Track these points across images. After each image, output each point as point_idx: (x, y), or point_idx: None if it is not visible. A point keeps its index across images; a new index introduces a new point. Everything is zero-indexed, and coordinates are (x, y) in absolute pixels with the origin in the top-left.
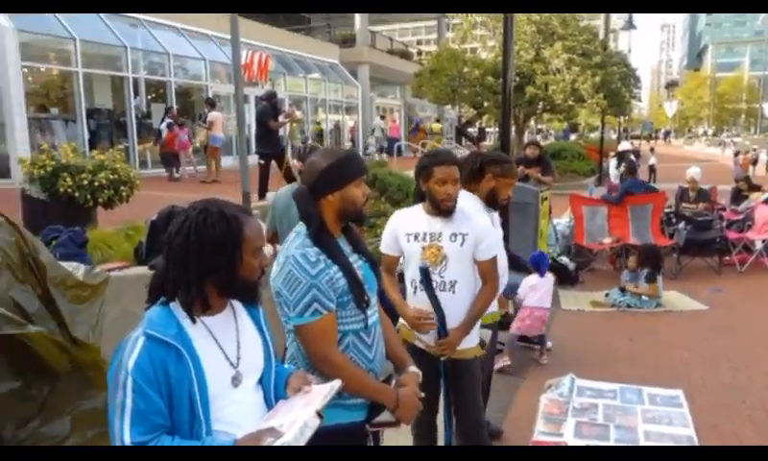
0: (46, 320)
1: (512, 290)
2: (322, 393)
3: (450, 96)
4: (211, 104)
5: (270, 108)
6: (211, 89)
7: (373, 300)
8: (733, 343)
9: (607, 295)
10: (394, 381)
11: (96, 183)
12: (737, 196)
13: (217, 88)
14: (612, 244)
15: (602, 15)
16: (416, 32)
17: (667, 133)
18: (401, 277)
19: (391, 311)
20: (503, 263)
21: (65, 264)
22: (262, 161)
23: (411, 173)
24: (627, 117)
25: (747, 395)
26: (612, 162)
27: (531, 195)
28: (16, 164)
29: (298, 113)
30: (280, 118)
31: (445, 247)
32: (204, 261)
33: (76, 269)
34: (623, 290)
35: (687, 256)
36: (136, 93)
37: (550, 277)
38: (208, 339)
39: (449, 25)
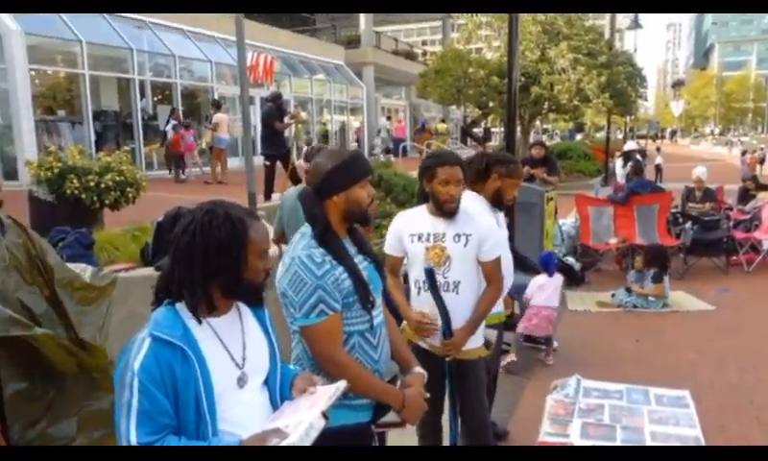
0: (53, 321)
1: (517, 290)
2: (327, 394)
3: (455, 96)
4: (217, 105)
5: (275, 109)
6: (217, 91)
7: (378, 300)
8: (741, 343)
9: (613, 295)
10: (399, 382)
11: (103, 185)
12: (744, 195)
13: (223, 90)
14: (618, 244)
15: (607, 15)
16: (420, 32)
17: (674, 133)
18: (406, 277)
19: (395, 312)
20: (507, 263)
21: (72, 266)
22: (268, 162)
23: (416, 173)
24: (633, 117)
25: (755, 395)
26: (619, 162)
27: (536, 195)
28: (24, 166)
29: (303, 114)
30: (286, 119)
31: (449, 248)
32: (208, 263)
33: (83, 271)
34: (629, 290)
35: (694, 256)
36: (142, 95)
37: (558, 276)
38: (214, 340)
39: (454, 25)
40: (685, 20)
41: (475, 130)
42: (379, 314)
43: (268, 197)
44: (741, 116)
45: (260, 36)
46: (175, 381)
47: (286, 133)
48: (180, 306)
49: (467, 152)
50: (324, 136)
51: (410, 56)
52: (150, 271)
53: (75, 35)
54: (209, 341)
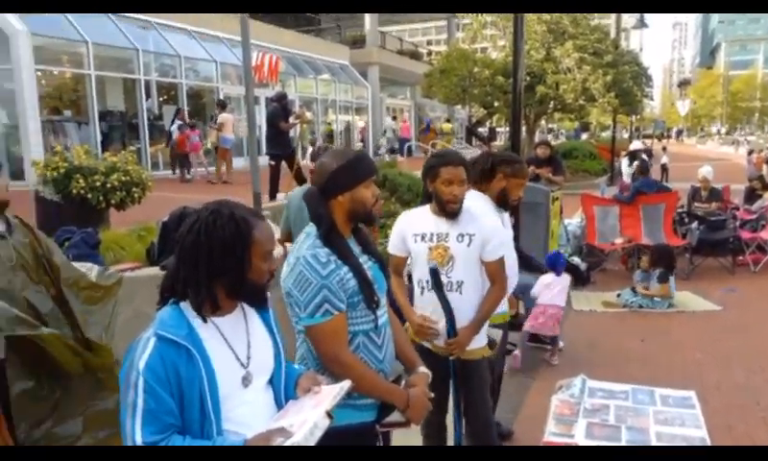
0: (59, 321)
1: (522, 290)
2: (331, 393)
3: (460, 96)
4: (222, 105)
5: (280, 109)
6: (222, 91)
7: (383, 300)
8: (747, 343)
9: (618, 295)
10: (403, 382)
11: (108, 185)
12: (751, 195)
13: (228, 90)
14: (623, 244)
15: (613, 14)
16: (426, 32)
17: (679, 132)
18: (410, 278)
19: (399, 312)
20: (512, 263)
21: (79, 265)
22: (273, 162)
23: (420, 173)
24: (639, 116)
25: (761, 396)
26: (624, 161)
27: (542, 195)
28: (30, 166)
29: (308, 114)
30: (291, 119)
31: (452, 247)
32: (212, 262)
33: (89, 270)
34: (635, 290)
35: (700, 256)
36: (148, 95)
37: (566, 276)
38: (219, 339)
39: (459, 25)
40: (692, 19)
41: (480, 129)
42: (384, 314)
43: (273, 197)
44: (748, 116)
45: (265, 36)
46: (180, 381)
47: (291, 133)
48: (185, 306)
49: (471, 151)
50: (329, 136)
51: (415, 55)
52: (155, 270)
53: (81, 35)
54: (214, 340)
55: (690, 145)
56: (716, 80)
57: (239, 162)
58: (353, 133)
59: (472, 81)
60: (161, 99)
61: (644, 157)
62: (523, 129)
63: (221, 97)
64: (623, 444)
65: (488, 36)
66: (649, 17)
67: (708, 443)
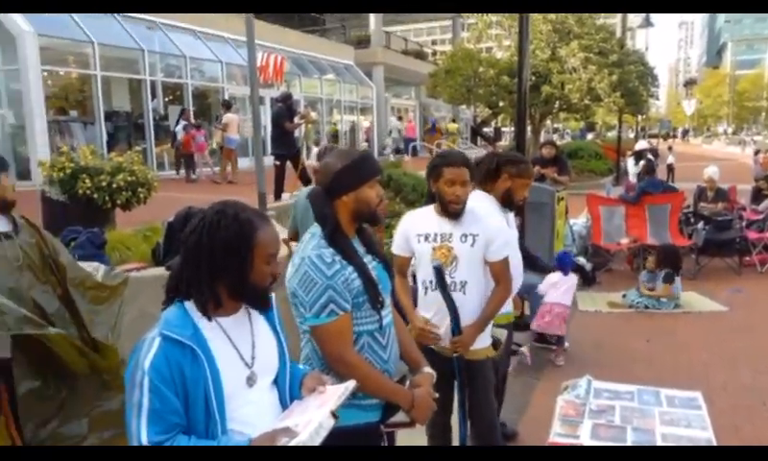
0: (65, 320)
1: (527, 290)
2: (336, 393)
3: (465, 96)
4: (227, 106)
5: (285, 109)
6: (227, 91)
7: (387, 300)
8: (754, 344)
9: (624, 296)
10: (408, 382)
11: (114, 185)
12: (757, 195)
13: (233, 90)
14: (629, 244)
15: (619, 14)
16: (431, 32)
17: (685, 132)
18: (415, 278)
19: (402, 313)
20: (516, 263)
21: (85, 265)
22: (278, 162)
23: (425, 173)
24: (644, 116)
25: None
26: (630, 161)
27: (547, 195)
28: (36, 167)
29: (313, 114)
30: (296, 120)
31: (456, 248)
32: (214, 262)
33: (96, 270)
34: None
35: (706, 257)
36: (154, 96)
37: (573, 276)
38: (223, 339)
39: (464, 25)
40: (698, 18)
41: (485, 129)
42: (388, 314)
43: (278, 197)
44: (754, 115)
45: (270, 36)
46: (184, 380)
47: (296, 134)
48: (190, 306)
49: (477, 151)
50: (334, 136)
51: (420, 55)
52: (161, 271)
53: (87, 36)
54: (219, 340)
55: (696, 145)
56: (723, 79)
57: (244, 162)
58: (358, 134)
59: (477, 81)
60: (167, 99)
61: (650, 156)
62: (528, 129)
63: (226, 97)
64: (628, 445)
65: (493, 36)
66: (655, 17)
67: (714, 443)
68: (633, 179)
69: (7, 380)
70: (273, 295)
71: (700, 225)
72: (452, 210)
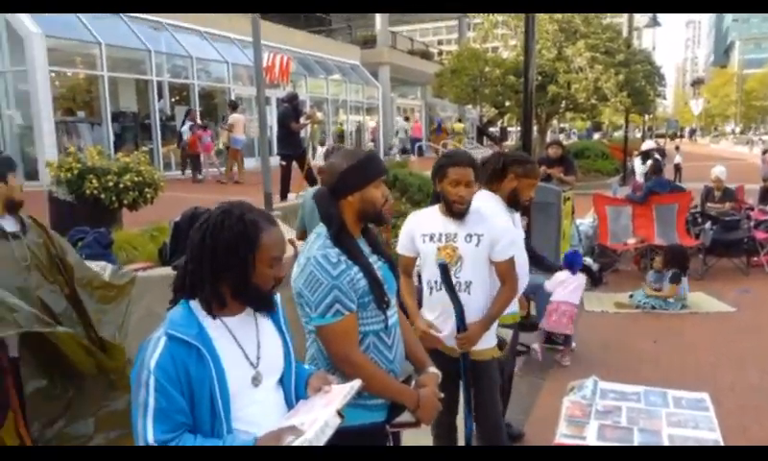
0: (72, 320)
1: (533, 291)
2: (342, 392)
3: (471, 96)
4: (233, 106)
5: (291, 109)
6: (234, 92)
7: (393, 300)
8: (762, 345)
9: (631, 296)
10: (413, 382)
11: (121, 185)
12: (765, 195)
13: (239, 91)
14: (636, 245)
15: (625, 13)
16: (437, 32)
17: (693, 132)
18: (420, 278)
19: (407, 313)
20: (522, 263)
21: (93, 264)
22: (284, 163)
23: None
24: (651, 116)
25: None
26: (637, 161)
27: (553, 195)
28: (44, 167)
29: (319, 115)
30: (301, 120)
31: (461, 247)
32: (216, 261)
33: (103, 269)
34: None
35: (714, 257)
36: (160, 96)
37: (581, 275)
38: (229, 339)
39: (470, 25)
40: (705, 18)
41: (491, 129)
42: (394, 314)
43: (284, 197)
44: (762, 115)
45: (276, 36)
46: (190, 380)
47: (302, 134)
48: (195, 305)
49: (483, 151)
50: (340, 137)
51: (426, 55)
52: (167, 270)
53: (94, 37)
54: (224, 340)
55: (704, 145)
56: (730, 78)
57: (250, 163)
58: (364, 134)
59: (483, 80)
60: (173, 100)
61: (657, 156)
62: (534, 128)
63: (232, 98)
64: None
65: (499, 36)
66: (662, 16)
67: (722, 445)
68: (640, 178)
69: (16, 379)
70: (278, 295)
71: (707, 225)
72: (456, 210)
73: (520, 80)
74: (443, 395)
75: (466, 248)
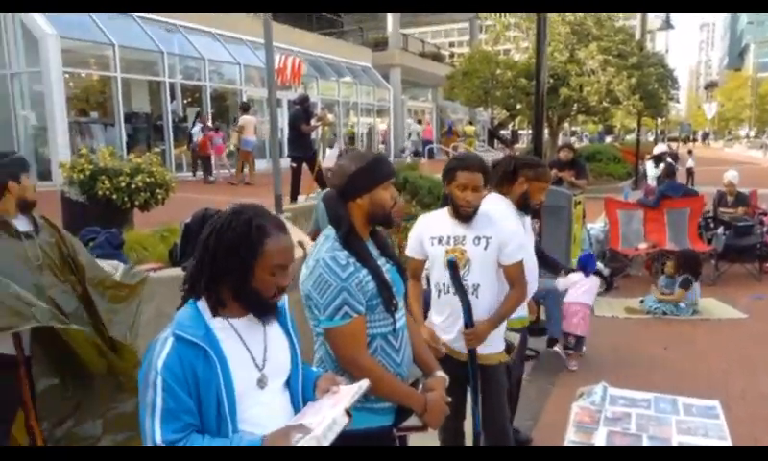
0: (83, 320)
1: (544, 295)
2: (350, 392)
3: (482, 98)
4: (245, 108)
5: (302, 111)
6: (245, 93)
7: (401, 303)
8: None
9: (642, 301)
10: (421, 386)
11: (133, 186)
12: None
13: (251, 92)
14: (647, 249)
15: (638, 15)
16: (448, 34)
17: (706, 135)
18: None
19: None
20: (531, 267)
21: (105, 263)
22: (294, 165)
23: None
24: (664, 119)
25: None
26: (650, 164)
27: (564, 199)
28: (57, 168)
29: (330, 116)
30: (312, 122)
31: (469, 250)
32: (216, 261)
33: (115, 268)
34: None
35: (726, 263)
36: (173, 97)
37: (595, 278)
38: (236, 340)
39: (482, 27)
40: (719, 20)
41: (503, 132)
42: (402, 317)
43: (294, 199)
44: None
45: (288, 38)
46: (197, 381)
47: (313, 136)
48: (203, 305)
49: (494, 154)
50: (351, 139)
51: (437, 57)
52: (177, 271)
53: (108, 38)
54: (231, 341)
55: (717, 148)
56: (744, 82)
57: (261, 164)
58: (375, 136)
59: (495, 83)
60: (186, 101)
61: (670, 160)
62: (546, 131)
63: (244, 99)
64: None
65: (510, 38)
66: (675, 19)
67: None
68: (652, 182)
69: (28, 376)
70: (286, 298)
71: (720, 230)
72: (463, 213)
73: (532, 82)
74: (450, 399)
75: (474, 251)
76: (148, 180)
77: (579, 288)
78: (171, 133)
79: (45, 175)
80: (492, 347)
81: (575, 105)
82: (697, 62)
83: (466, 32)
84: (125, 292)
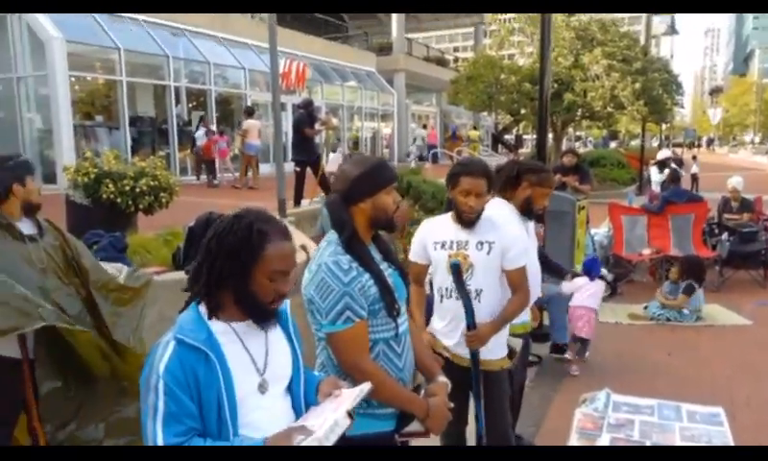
0: (85, 323)
1: (547, 301)
2: (352, 395)
3: (487, 103)
4: (249, 112)
5: (306, 115)
6: (250, 97)
7: (403, 308)
8: None
9: (645, 307)
10: (423, 391)
11: (137, 190)
12: None
13: (256, 96)
14: (651, 255)
15: (643, 21)
16: (452, 38)
17: (710, 141)
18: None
19: None
20: (534, 272)
21: (109, 266)
22: (298, 168)
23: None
24: (669, 124)
25: None
26: (654, 169)
27: (567, 204)
28: (62, 171)
29: (334, 121)
30: (316, 126)
31: (472, 255)
32: (215, 265)
33: (119, 271)
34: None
35: (731, 269)
36: (177, 101)
37: (600, 282)
38: (237, 344)
39: (486, 31)
40: (725, 26)
41: (506, 137)
42: (404, 322)
43: (297, 203)
44: None
45: (293, 43)
46: (198, 385)
47: (317, 140)
48: (204, 309)
49: (497, 159)
50: (355, 143)
51: (441, 62)
52: (181, 275)
53: (113, 42)
54: (232, 345)
55: (722, 154)
56: (750, 87)
57: (265, 168)
58: (379, 140)
59: (499, 87)
60: (191, 105)
61: (674, 165)
62: (550, 136)
63: (249, 103)
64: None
65: (515, 43)
66: (680, 24)
67: None
68: (656, 188)
69: (32, 378)
70: (287, 301)
71: (724, 236)
72: (465, 219)
73: (536, 87)
74: (452, 404)
75: (477, 255)
76: (152, 183)
77: (584, 292)
78: (176, 137)
79: (50, 178)
80: (495, 353)
81: (579, 110)
82: (702, 68)
83: (470, 37)
84: (129, 295)
